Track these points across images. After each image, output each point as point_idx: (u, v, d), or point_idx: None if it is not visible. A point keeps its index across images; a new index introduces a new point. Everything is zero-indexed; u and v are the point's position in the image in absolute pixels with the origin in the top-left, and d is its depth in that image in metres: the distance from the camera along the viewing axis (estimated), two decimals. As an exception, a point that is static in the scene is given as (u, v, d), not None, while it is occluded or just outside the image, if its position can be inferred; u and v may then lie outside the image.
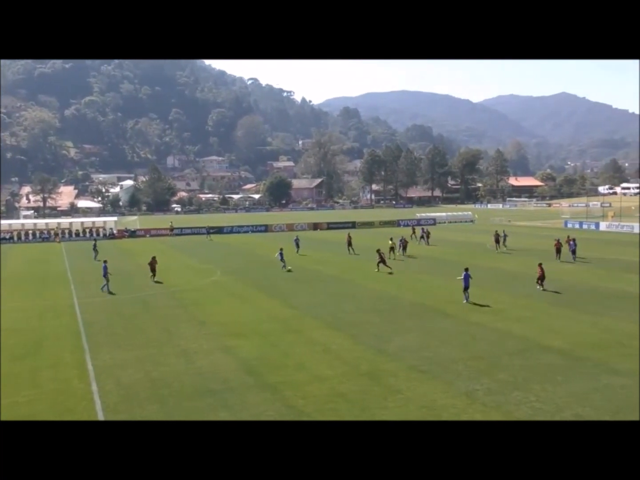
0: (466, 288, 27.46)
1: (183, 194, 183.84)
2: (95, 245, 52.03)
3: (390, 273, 37.28)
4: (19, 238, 72.71)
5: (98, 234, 74.19)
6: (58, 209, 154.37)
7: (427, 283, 34.18)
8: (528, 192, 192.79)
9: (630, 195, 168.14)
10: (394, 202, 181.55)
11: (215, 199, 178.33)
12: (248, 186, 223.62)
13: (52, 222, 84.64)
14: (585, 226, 75.88)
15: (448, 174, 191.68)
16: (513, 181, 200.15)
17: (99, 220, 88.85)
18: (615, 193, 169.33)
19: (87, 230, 76.58)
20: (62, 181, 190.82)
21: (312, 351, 20.22)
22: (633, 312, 24.89)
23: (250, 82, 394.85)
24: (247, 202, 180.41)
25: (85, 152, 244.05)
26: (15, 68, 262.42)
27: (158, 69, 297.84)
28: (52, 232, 74.43)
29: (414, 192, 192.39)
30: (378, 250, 38.70)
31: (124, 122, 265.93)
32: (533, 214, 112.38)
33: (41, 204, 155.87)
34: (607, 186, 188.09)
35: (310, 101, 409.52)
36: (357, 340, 21.42)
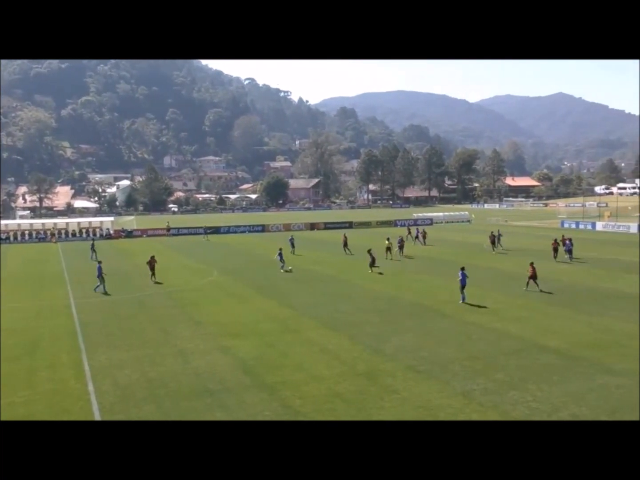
0: (463, 287, 27.46)
1: (180, 194, 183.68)
2: (93, 245, 52.00)
3: (380, 273, 37.29)
4: (15, 238, 72.56)
5: (95, 234, 74.06)
6: (54, 209, 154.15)
7: (424, 283, 34.20)
8: (525, 192, 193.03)
9: (627, 195, 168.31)
10: (391, 202, 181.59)
11: (212, 199, 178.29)
12: (245, 186, 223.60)
13: (49, 222, 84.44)
14: (581, 226, 76.02)
15: (445, 174, 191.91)
16: (510, 181, 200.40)
17: (96, 220, 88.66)
18: (611, 193, 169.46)
19: (84, 231, 76.42)
20: (59, 181, 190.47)
21: (310, 351, 20.22)
22: (630, 312, 24.95)
23: (247, 82, 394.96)
24: (244, 202, 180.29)
25: (81, 152, 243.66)
26: (11, 68, 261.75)
27: (155, 69, 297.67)
28: (49, 232, 74.30)
29: (411, 192, 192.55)
30: (369, 251, 38.73)
31: (121, 122, 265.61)
32: (530, 214, 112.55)
33: (37, 204, 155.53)
34: (603, 186, 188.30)
35: (307, 101, 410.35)
36: (355, 341, 21.43)
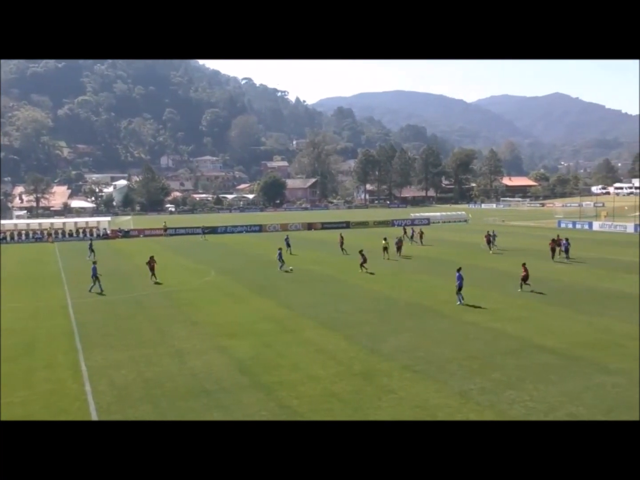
0: (460, 289, 27.32)
1: (177, 193, 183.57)
2: (91, 245, 51.94)
3: (371, 273, 37.30)
4: (12, 238, 72.38)
5: (91, 234, 73.93)
6: (51, 209, 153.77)
7: (422, 283, 34.22)
8: (521, 192, 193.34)
9: (623, 195, 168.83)
10: (388, 202, 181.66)
11: (209, 198, 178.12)
12: (242, 186, 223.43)
13: (45, 222, 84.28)
14: (578, 226, 76.15)
15: (442, 173, 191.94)
16: (507, 181, 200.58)
17: (93, 220, 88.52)
18: (608, 193, 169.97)
19: (81, 231, 76.29)
20: (55, 181, 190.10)
21: (307, 351, 20.22)
22: (628, 312, 25.01)
23: (244, 82, 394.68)
24: (241, 202, 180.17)
25: (78, 151, 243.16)
26: (7, 67, 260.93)
27: (151, 69, 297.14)
28: (45, 232, 74.12)
29: (408, 192, 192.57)
30: (360, 251, 38.77)
31: (118, 122, 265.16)
32: (526, 214, 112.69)
33: (34, 204, 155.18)
34: (600, 186, 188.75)
35: (304, 101, 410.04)
36: (352, 340, 21.44)
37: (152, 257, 36.88)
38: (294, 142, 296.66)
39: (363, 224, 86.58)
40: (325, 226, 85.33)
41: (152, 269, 36.21)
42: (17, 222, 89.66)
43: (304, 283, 34.94)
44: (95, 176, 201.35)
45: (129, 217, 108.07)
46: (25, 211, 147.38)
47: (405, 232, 58.93)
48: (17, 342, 22.16)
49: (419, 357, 19.06)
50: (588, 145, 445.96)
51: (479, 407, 14.69)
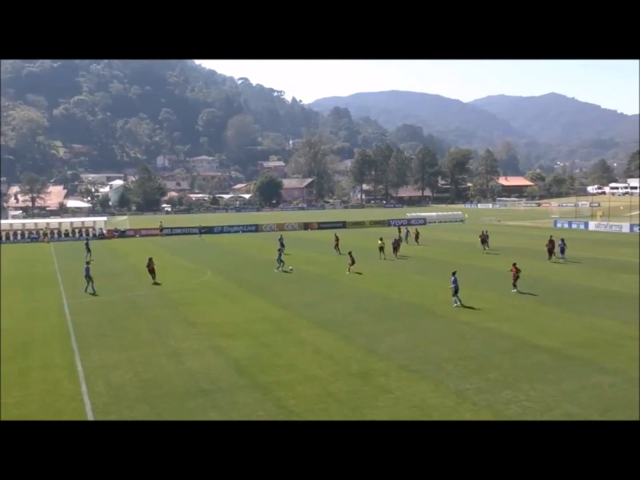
0: (456, 292, 27.18)
1: (173, 193, 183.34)
2: (87, 244, 51.83)
3: (359, 273, 37.27)
4: (7, 238, 72.18)
5: (87, 234, 73.77)
6: (47, 208, 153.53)
7: (417, 283, 34.25)
8: (518, 192, 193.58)
9: (619, 195, 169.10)
10: (384, 202, 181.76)
11: (205, 198, 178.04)
12: (238, 186, 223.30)
13: (41, 222, 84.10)
14: (574, 226, 76.32)
15: (438, 173, 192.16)
16: (503, 181, 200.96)
17: (89, 220, 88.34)
18: (603, 193, 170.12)
19: (77, 231, 76.11)
20: (51, 181, 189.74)
21: (303, 351, 20.22)
22: (624, 312, 25.06)
23: (240, 81, 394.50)
24: (237, 202, 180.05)
25: (74, 151, 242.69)
26: (3, 67, 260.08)
27: (148, 69, 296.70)
28: (41, 232, 73.96)
29: (405, 192, 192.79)
30: (349, 253, 38.76)
31: (114, 122, 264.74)
32: (523, 214, 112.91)
33: (30, 204, 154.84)
34: (595, 186, 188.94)
35: (300, 101, 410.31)
36: (348, 340, 21.44)
37: (150, 259, 36.75)
38: (291, 142, 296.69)
39: (359, 224, 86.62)
40: (321, 226, 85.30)
41: (151, 271, 36.06)
42: (12, 222, 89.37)
43: (300, 283, 34.93)
44: (91, 176, 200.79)
45: (125, 217, 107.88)
46: (21, 211, 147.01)
47: (400, 232, 58.89)
48: (13, 343, 22.08)
49: (416, 357, 19.07)
50: (584, 145, 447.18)
51: (476, 407, 14.71)
